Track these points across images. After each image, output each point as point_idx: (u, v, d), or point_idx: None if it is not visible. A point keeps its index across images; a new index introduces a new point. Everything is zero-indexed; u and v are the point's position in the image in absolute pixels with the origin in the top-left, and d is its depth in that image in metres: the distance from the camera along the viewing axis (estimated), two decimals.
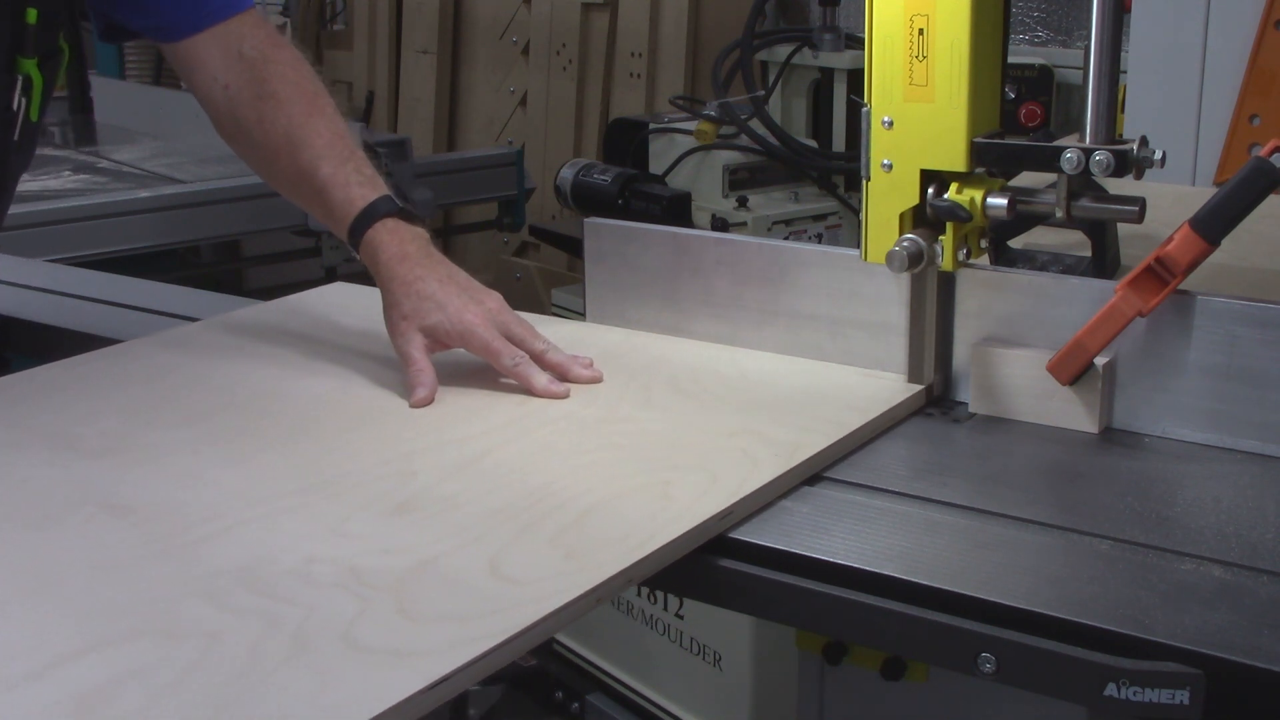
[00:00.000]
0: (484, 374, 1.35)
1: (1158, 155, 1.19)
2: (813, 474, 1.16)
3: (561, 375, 1.34)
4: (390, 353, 1.37)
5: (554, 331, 1.42)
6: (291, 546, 1.01)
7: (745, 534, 1.05)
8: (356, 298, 1.65)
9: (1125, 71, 1.91)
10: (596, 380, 1.35)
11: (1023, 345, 1.28)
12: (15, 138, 1.43)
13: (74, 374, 1.41)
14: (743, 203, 2.75)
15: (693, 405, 1.30)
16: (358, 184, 1.40)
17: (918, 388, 1.32)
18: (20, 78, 1.39)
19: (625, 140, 2.93)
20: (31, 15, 1.37)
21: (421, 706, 0.81)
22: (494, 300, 1.37)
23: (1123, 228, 1.39)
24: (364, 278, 1.49)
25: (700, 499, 1.07)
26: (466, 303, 1.34)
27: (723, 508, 1.06)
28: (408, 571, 0.96)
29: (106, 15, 1.49)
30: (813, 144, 2.94)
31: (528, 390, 1.31)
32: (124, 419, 1.28)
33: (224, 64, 1.44)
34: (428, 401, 1.30)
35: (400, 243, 1.37)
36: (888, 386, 1.32)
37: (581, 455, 1.18)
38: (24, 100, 1.41)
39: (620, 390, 1.34)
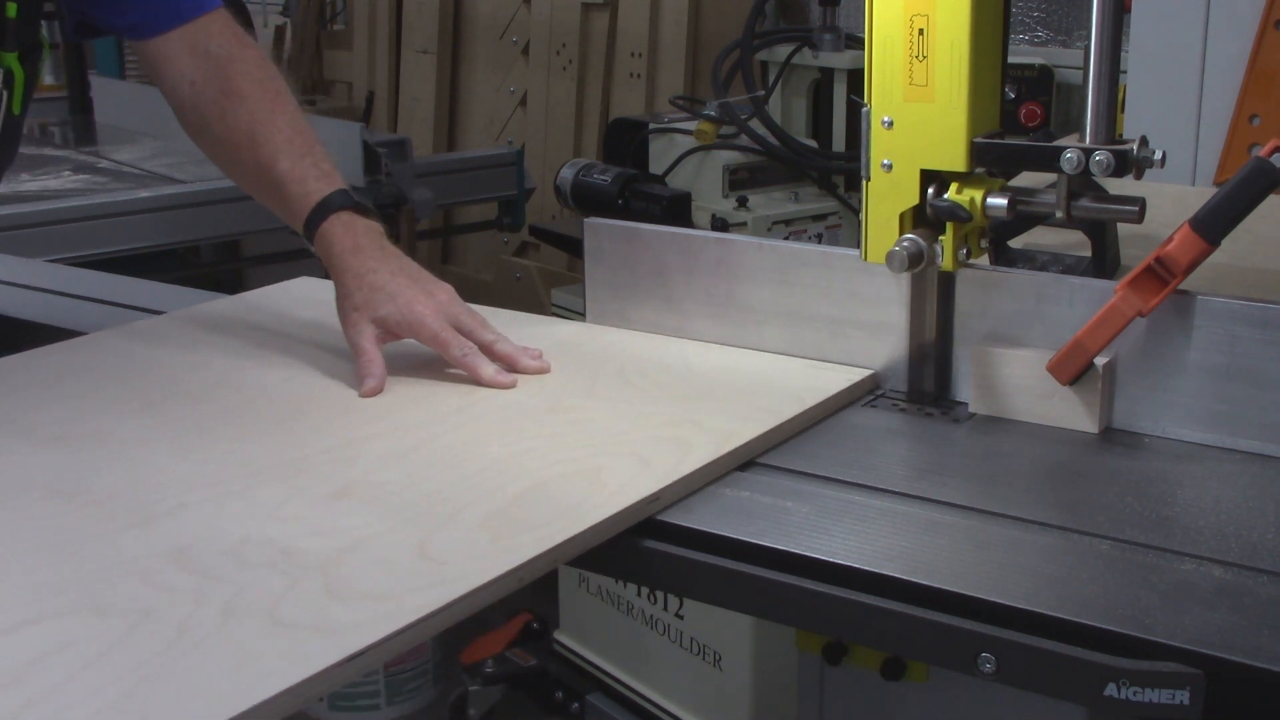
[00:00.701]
0: (433, 364, 1.39)
1: (1158, 155, 1.19)
2: (747, 460, 1.20)
3: (510, 366, 1.37)
4: (343, 344, 1.40)
5: (513, 328, 1.45)
6: (229, 529, 1.05)
7: (741, 533, 1.06)
8: (320, 291, 1.66)
9: (1125, 71, 1.91)
10: (544, 371, 1.38)
11: (1023, 345, 1.28)
12: None
13: (34, 364, 1.46)
14: (743, 203, 2.75)
15: (636, 395, 1.33)
16: (314, 178, 1.42)
17: (862, 375, 1.35)
18: (1, 71, 1.41)
19: (625, 140, 2.93)
20: (11, 10, 1.40)
21: (340, 677, 0.85)
22: (444, 292, 1.40)
23: (1123, 228, 1.39)
24: None
25: (629, 483, 1.10)
26: (417, 294, 1.37)
27: (651, 492, 1.09)
28: (338, 552, 1.00)
29: (80, 13, 1.51)
30: (813, 144, 2.94)
31: (475, 380, 1.35)
32: (78, 407, 1.32)
33: (191, 61, 1.47)
34: (377, 391, 1.33)
35: (354, 235, 1.40)
36: (830, 376, 1.36)
37: (520, 442, 1.21)
38: (5, 94, 1.43)
39: (567, 381, 1.37)
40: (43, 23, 1.49)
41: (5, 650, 0.87)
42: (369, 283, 1.37)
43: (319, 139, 1.48)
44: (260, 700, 0.81)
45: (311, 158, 1.44)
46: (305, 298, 1.68)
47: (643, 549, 1.06)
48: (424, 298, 1.37)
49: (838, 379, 1.35)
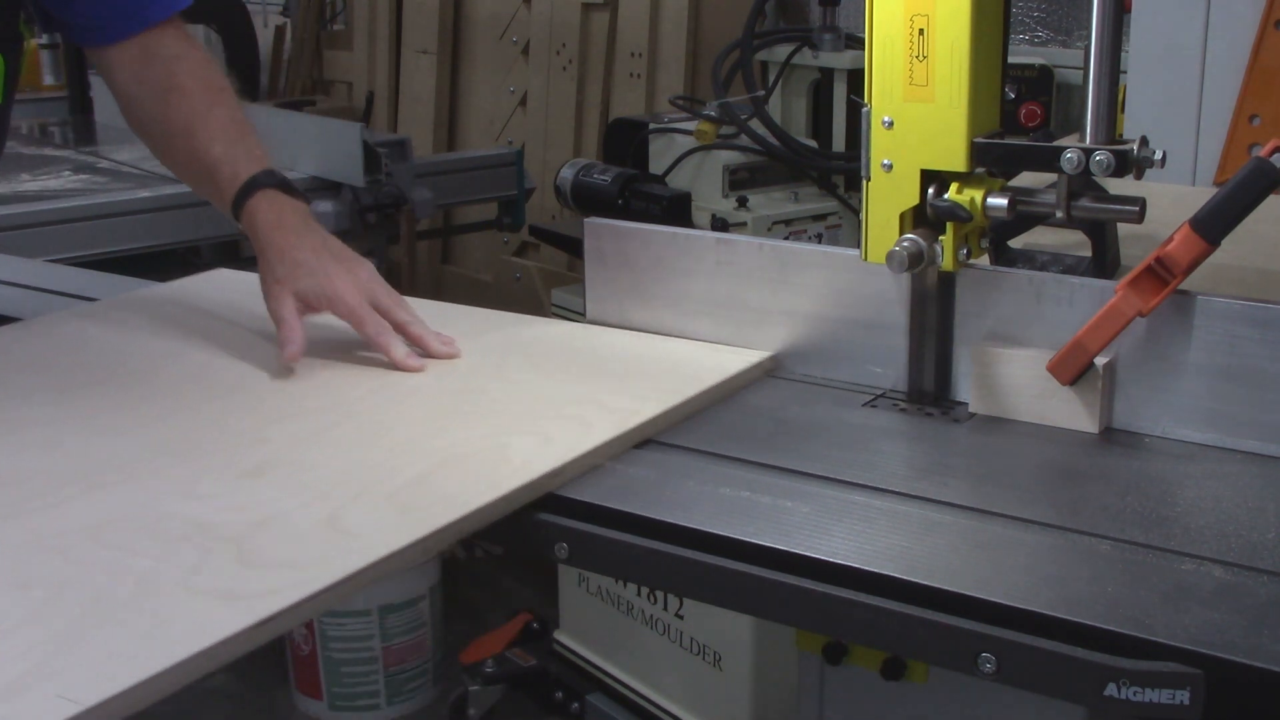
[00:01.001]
0: (346, 348, 1.43)
1: (1158, 155, 1.19)
2: (647, 438, 1.25)
3: (421, 348, 1.42)
4: (260, 330, 1.46)
5: (426, 313, 1.49)
6: (145, 506, 1.09)
7: (741, 533, 1.06)
8: (238, 282, 1.70)
9: (1125, 71, 1.91)
10: (453, 356, 1.43)
11: (1023, 345, 1.28)
12: None
13: None
14: (743, 203, 2.75)
15: (542, 378, 1.38)
16: (245, 161, 1.46)
17: (761, 357, 1.41)
18: None
19: (625, 140, 2.92)
20: None
21: (250, 641, 0.90)
22: (365, 270, 1.43)
23: (1123, 228, 1.39)
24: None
25: (533, 459, 1.15)
26: (338, 270, 1.41)
27: (553, 467, 1.14)
28: (251, 526, 1.04)
29: (42, 6, 1.53)
30: (813, 144, 2.94)
31: (387, 358, 1.40)
32: None
33: (142, 63, 1.51)
34: (297, 357, 1.38)
35: (278, 213, 1.44)
36: (730, 358, 1.41)
37: (431, 422, 1.26)
38: None
39: (477, 364, 1.42)
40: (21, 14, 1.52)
41: None
42: (291, 258, 1.41)
43: (256, 130, 1.52)
44: (173, 663, 0.85)
45: (245, 145, 1.48)
46: (225, 287, 1.72)
47: (643, 548, 1.07)
48: (344, 274, 1.41)
49: (736, 360, 1.41)
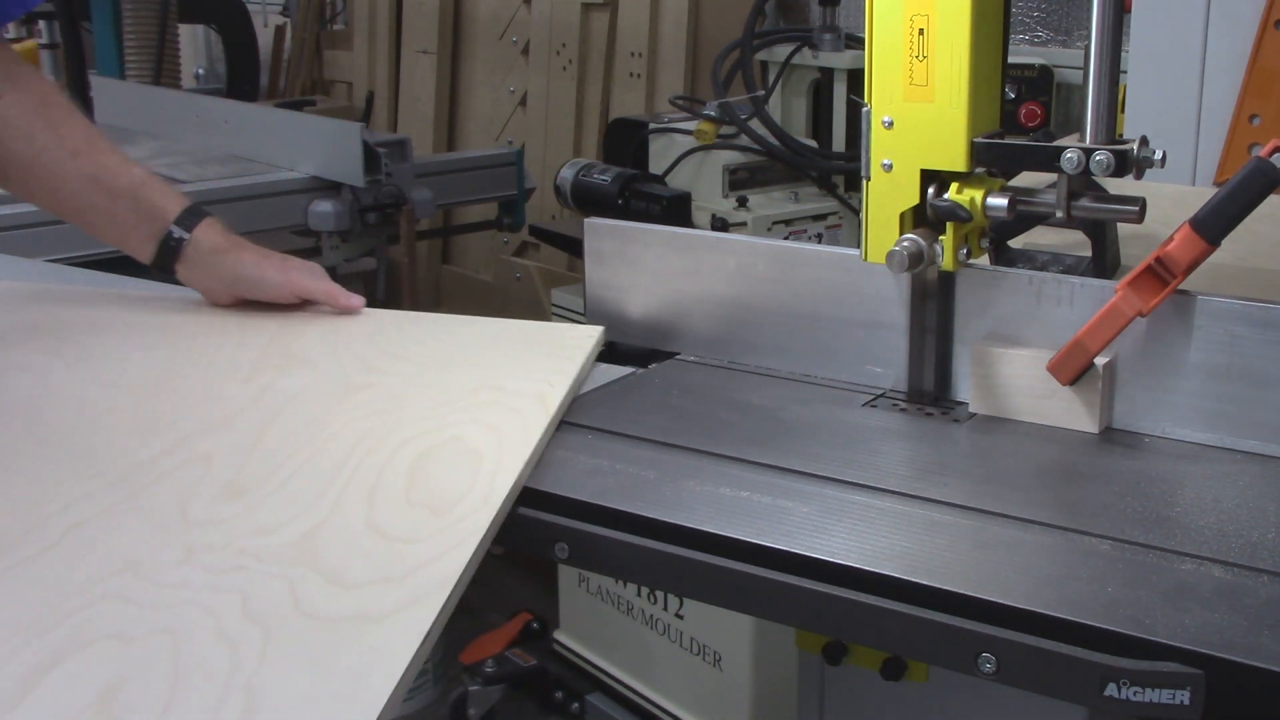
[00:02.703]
0: (207, 362, 1.41)
1: (1158, 155, 1.19)
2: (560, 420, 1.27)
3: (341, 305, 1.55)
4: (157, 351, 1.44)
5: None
6: (155, 540, 1.01)
7: (741, 533, 1.06)
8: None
9: (1125, 71, 1.91)
10: (358, 307, 1.55)
11: (1023, 345, 1.28)
12: None
13: None
14: (743, 203, 2.75)
15: (419, 368, 1.38)
16: (162, 195, 1.54)
17: (596, 330, 1.47)
18: None
19: (625, 140, 2.93)
20: None
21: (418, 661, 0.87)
22: (293, 259, 1.58)
23: (1123, 228, 1.39)
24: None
25: (502, 450, 1.16)
26: (278, 262, 1.56)
27: (529, 455, 1.15)
28: (297, 545, 1.00)
29: None
30: (813, 144, 2.94)
31: (343, 308, 1.53)
32: None
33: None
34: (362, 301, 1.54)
35: (223, 235, 1.55)
36: (571, 333, 1.46)
37: (356, 422, 1.24)
38: None
39: (345, 362, 1.40)
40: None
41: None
42: (266, 254, 1.55)
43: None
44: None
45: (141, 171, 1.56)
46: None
47: (643, 548, 1.06)
48: (283, 264, 1.55)
49: (581, 335, 1.46)
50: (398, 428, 1.22)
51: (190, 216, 1.53)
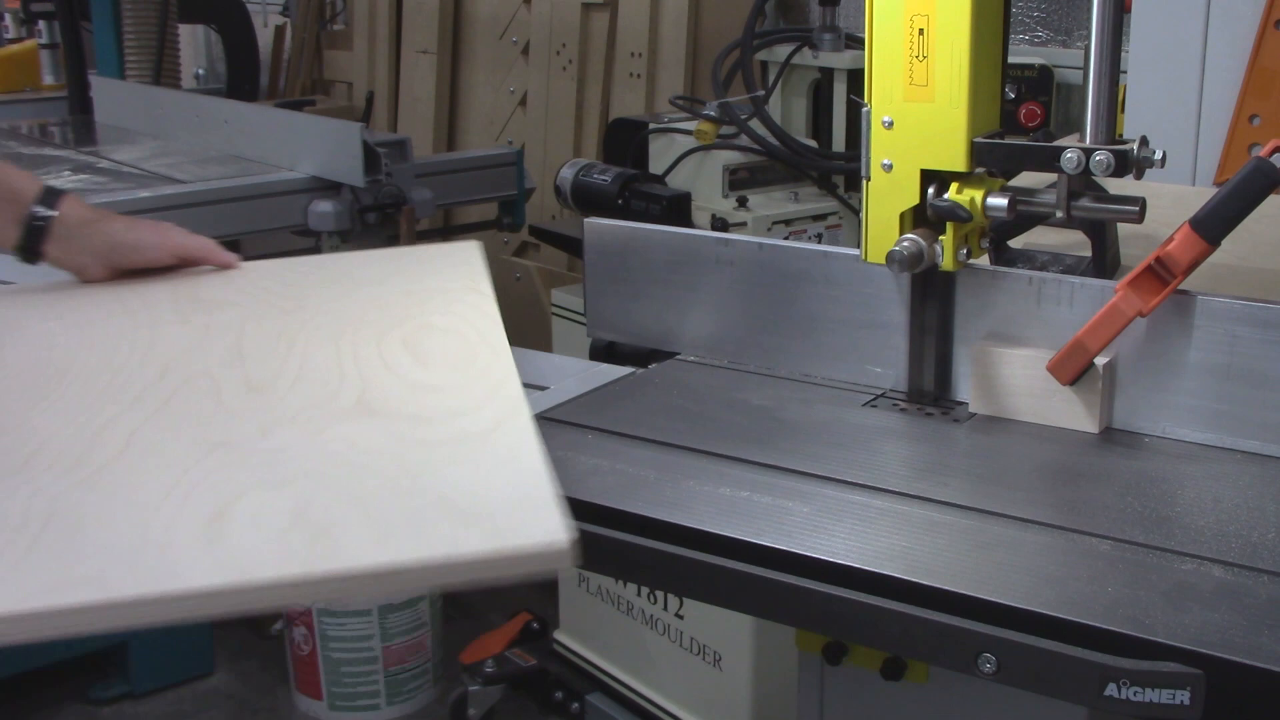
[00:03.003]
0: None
1: (1158, 155, 1.19)
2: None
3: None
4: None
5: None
6: (222, 425, 1.05)
7: (741, 533, 1.05)
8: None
9: (1125, 71, 1.91)
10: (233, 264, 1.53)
11: (1023, 345, 1.28)
12: None
13: None
14: (743, 203, 2.75)
15: (339, 290, 1.40)
16: (16, 177, 1.52)
17: (470, 245, 1.51)
18: None
19: (625, 140, 2.92)
20: None
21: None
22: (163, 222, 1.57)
23: (1123, 228, 1.39)
24: None
25: (474, 325, 1.20)
26: (157, 227, 1.54)
27: (499, 325, 1.21)
28: (362, 404, 1.06)
29: None
30: (813, 144, 2.94)
31: (222, 263, 1.50)
32: None
33: None
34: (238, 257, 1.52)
35: (88, 208, 1.53)
36: (450, 247, 1.52)
37: (319, 330, 1.25)
38: None
39: (257, 299, 1.40)
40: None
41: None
42: (135, 221, 1.54)
43: None
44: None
45: None
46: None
47: (643, 549, 1.06)
48: (155, 225, 1.54)
49: (464, 249, 1.50)
50: (363, 326, 1.24)
51: (51, 195, 1.49)
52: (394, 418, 1.05)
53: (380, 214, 2.81)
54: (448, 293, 1.37)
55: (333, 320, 1.29)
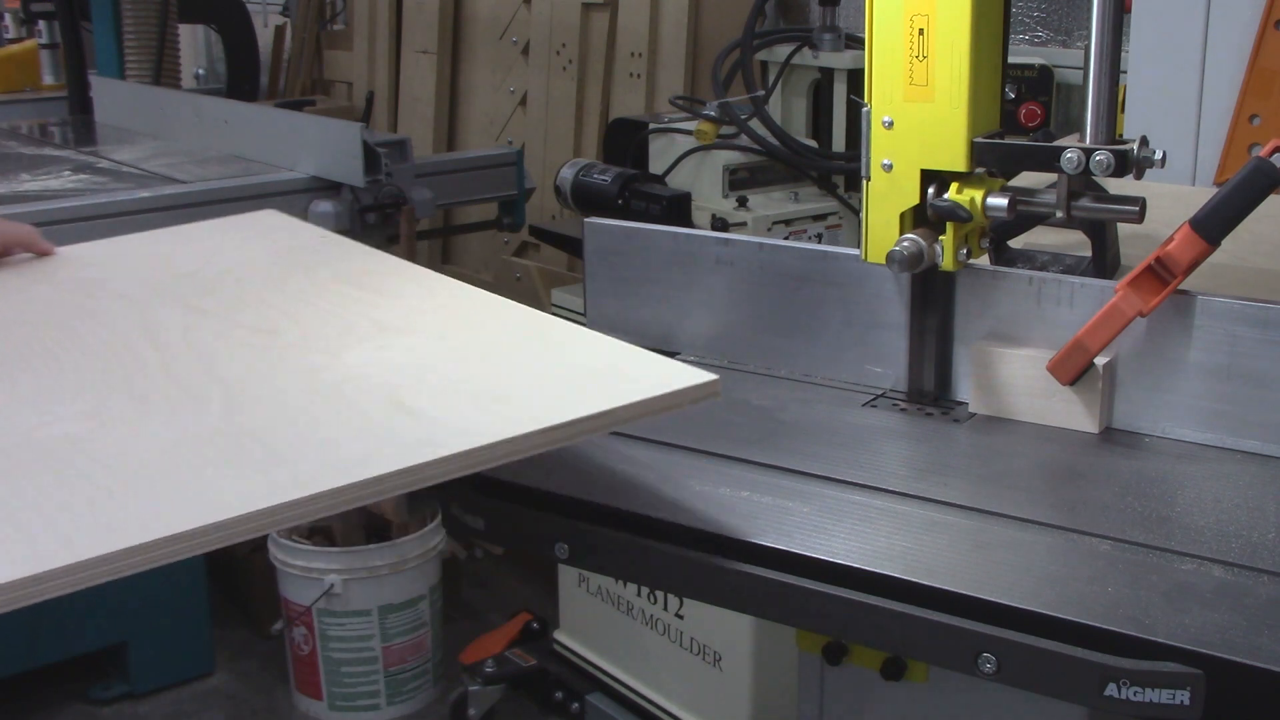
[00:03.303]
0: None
1: (1158, 155, 1.19)
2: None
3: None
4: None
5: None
6: (257, 365, 1.12)
7: (741, 533, 1.05)
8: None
9: (1125, 71, 1.91)
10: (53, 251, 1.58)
11: (1023, 345, 1.28)
12: None
13: None
14: (743, 203, 2.75)
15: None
16: None
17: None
18: None
19: (625, 140, 2.92)
20: None
21: None
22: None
23: (1123, 228, 1.39)
24: None
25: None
26: None
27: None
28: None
29: None
30: (813, 144, 2.94)
31: (42, 252, 1.54)
32: None
33: None
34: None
35: None
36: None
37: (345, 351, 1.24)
38: None
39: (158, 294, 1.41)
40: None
41: None
42: None
43: None
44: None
45: None
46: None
47: (643, 549, 1.06)
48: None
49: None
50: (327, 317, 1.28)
51: None
52: (424, 376, 1.09)
53: (380, 214, 2.81)
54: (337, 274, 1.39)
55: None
